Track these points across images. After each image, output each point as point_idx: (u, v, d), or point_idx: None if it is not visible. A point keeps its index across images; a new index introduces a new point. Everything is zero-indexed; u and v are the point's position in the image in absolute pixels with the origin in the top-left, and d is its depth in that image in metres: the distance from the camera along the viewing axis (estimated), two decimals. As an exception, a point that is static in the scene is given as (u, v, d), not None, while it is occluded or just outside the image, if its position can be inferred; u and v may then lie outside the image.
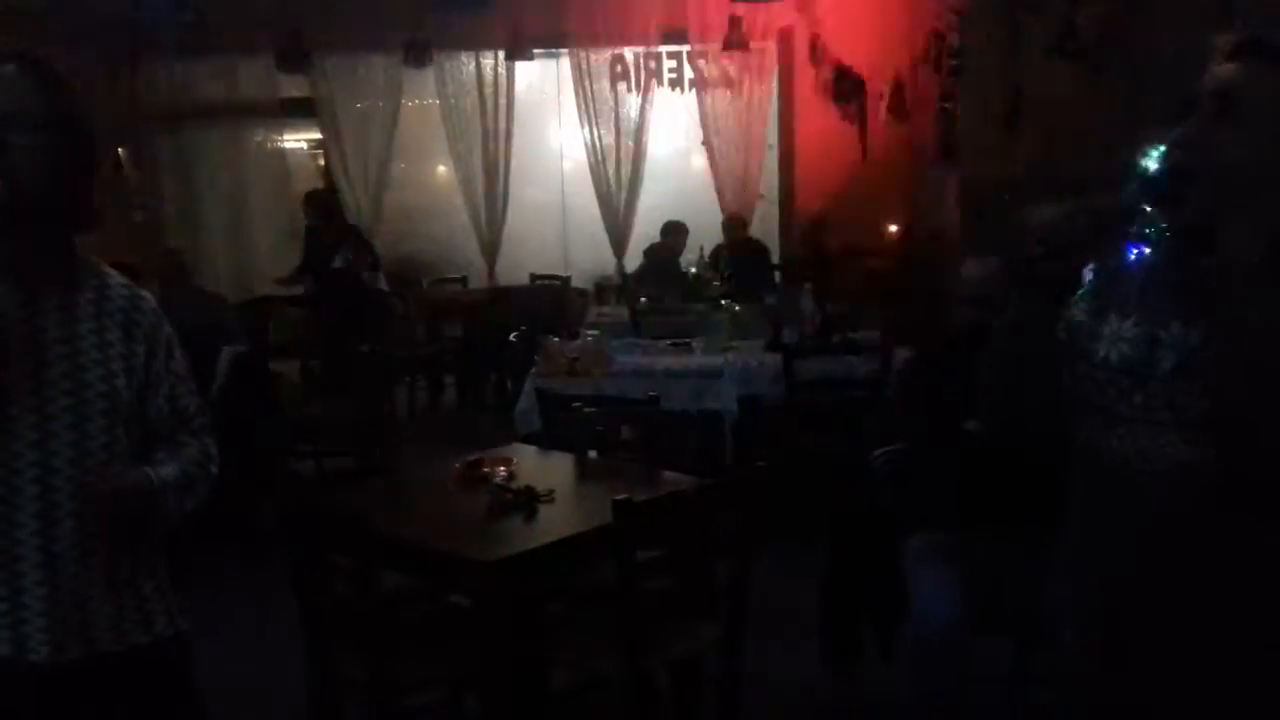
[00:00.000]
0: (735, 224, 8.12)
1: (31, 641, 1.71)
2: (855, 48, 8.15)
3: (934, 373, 3.13)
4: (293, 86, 8.91)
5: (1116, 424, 1.60)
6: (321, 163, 9.51)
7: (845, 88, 8.13)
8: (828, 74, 8.24)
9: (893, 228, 7.98)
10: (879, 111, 8.08)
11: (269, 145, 9.44)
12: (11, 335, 1.68)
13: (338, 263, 7.29)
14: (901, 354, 4.90)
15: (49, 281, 1.75)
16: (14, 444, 1.69)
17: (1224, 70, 1.55)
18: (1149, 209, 1.61)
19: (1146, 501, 1.58)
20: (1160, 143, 1.63)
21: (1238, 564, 1.52)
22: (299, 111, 9.01)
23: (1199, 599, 1.55)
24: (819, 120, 8.49)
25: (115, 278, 1.87)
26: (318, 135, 9.24)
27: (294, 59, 8.57)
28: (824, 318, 5.55)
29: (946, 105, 6.89)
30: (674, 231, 7.85)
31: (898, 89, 7.82)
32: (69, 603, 1.73)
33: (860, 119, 8.22)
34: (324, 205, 8.21)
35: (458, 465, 3.21)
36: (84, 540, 1.74)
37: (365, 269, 7.45)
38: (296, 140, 9.68)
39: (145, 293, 1.91)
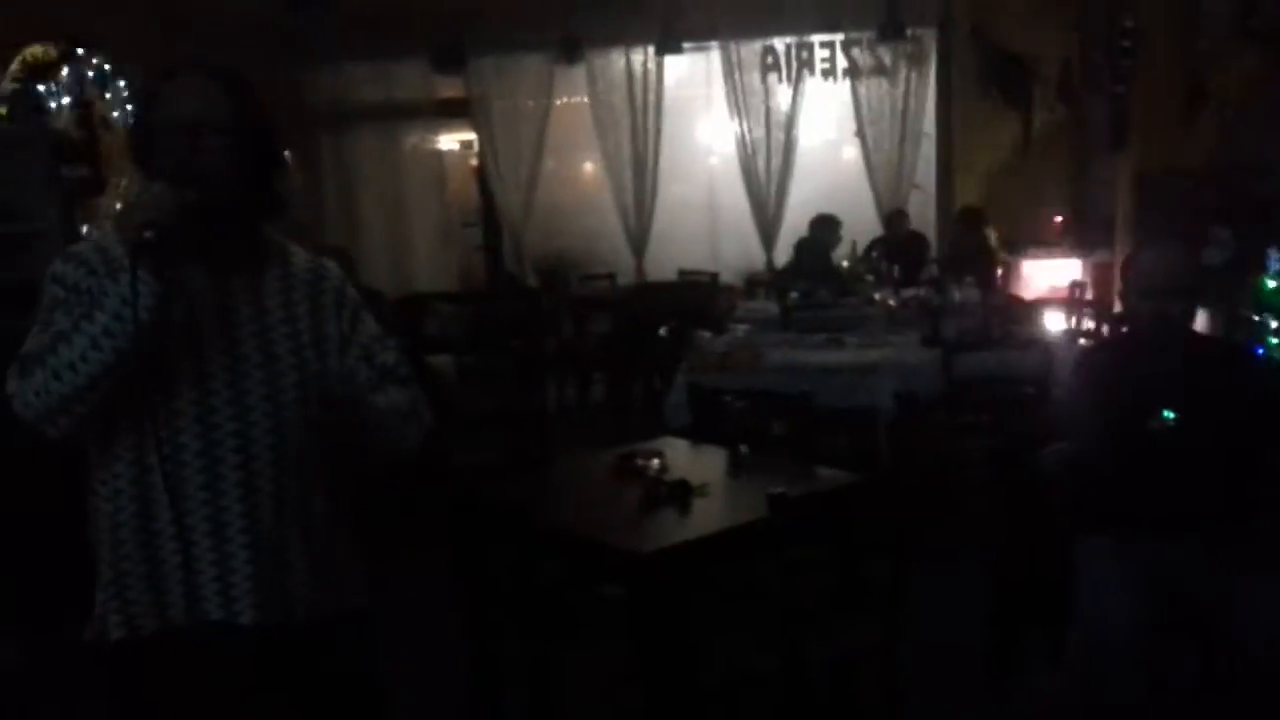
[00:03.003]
0: (897, 219, 7.92)
1: (240, 604, 1.80)
2: (1019, 32, 7.84)
3: (1114, 367, 2.95)
4: (447, 87, 9.12)
5: None
6: (474, 163, 9.72)
7: (1008, 73, 7.83)
8: (989, 59, 7.95)
9: (1058, 218, 7.66)
10: (1044, 97, 7.77)
11: (424, 146, 9.68)
12: (207, 316, 1.79)
13: None
14: (1070, 348, 4.69)
15: (238, 265, 1.85)
16: (214, 417, 1.79)
17: None
18: None
19: None
20: None
21: None
22: (453, 112, 9.22)
23: None
24: (979, 108, 8.21)
25: (300, 253, 1.96)
26: (471, 135, 9.44)
27: (449, 60, 8.77)
28: (986, 311, 5.35)
29: (1118, 90, 6.55)
30: (824, 224, 7.71)
31: (1065, 73, 7.50)
32: (271, 569, 1.82)
33: (1024, 105, 7.92)
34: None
35: (611, 458, 3.20)
36: (283, 507, 1.83)
37: None
38: (450, 140, 9.91)
39: (329, 262, 1.99)
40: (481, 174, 9.49)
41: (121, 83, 5.71)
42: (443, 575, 2.87)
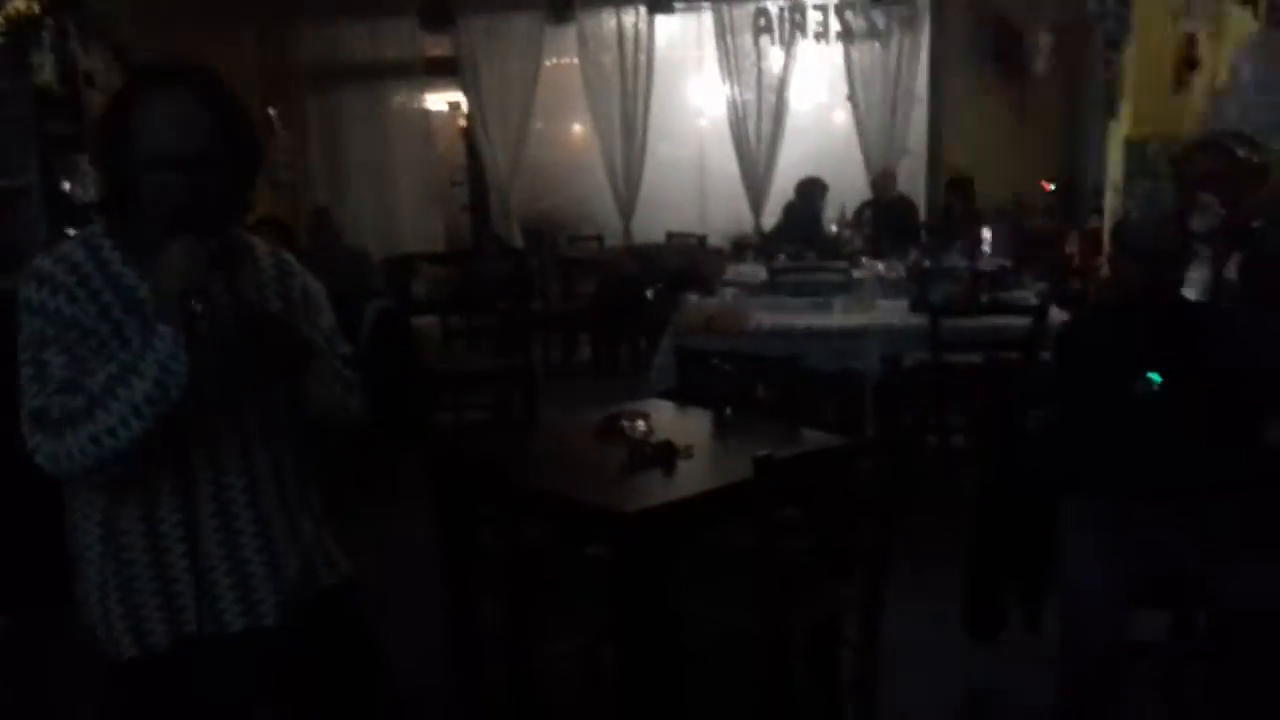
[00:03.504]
0: (884, 180, 7.89)
1: (263, 606, 1.78)
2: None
3: (1102, 332, 2.95)
4: (435, 46, 9.02)
5: None
6: (463, 123, 9.64)
7: (1001, 39, 7.78)
8: (982, 25, 7.90)
9: (1049, 185, 7.64)
10: (1037, 63, 7.72)
11: (411, 105, 9.59)
12: (229, 330, 1.72)
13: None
14: (1057, 314, 4.69)
15: (218, 266, 1.77)
16: (214, 421, 1.75)
17: None
18: None
19: None
20: None
21: None
22: (441, 71, 9.13)
23: None
24: (972, 73, 8.16)
25: (261, 247, 1.91)
26: (459, 95, 9.35)
27: (438, 19, 8.67)
28: (973, 276, 5.34)
29: (1110, 57, 6.51)
30: (810, 187, 7.68)
31: (1058, 39, 7.46)
32: (282, 564, 1.81)
33: (1017, 71, 7.87)
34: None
35: (597, 419, 3.19)
36: (285, 502, 1.82)
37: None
38: (438, 100, 9.82)
39: (288, 255, 1.95)
40: (469, 134, 9.41)
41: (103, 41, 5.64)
42: (427, 537, 2.86)
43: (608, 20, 8.82)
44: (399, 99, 9.49)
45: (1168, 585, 2.66)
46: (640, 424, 3.10)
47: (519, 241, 9.06)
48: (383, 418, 2.27)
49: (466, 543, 2.80)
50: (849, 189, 8.00)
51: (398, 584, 3.86)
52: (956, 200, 7.34)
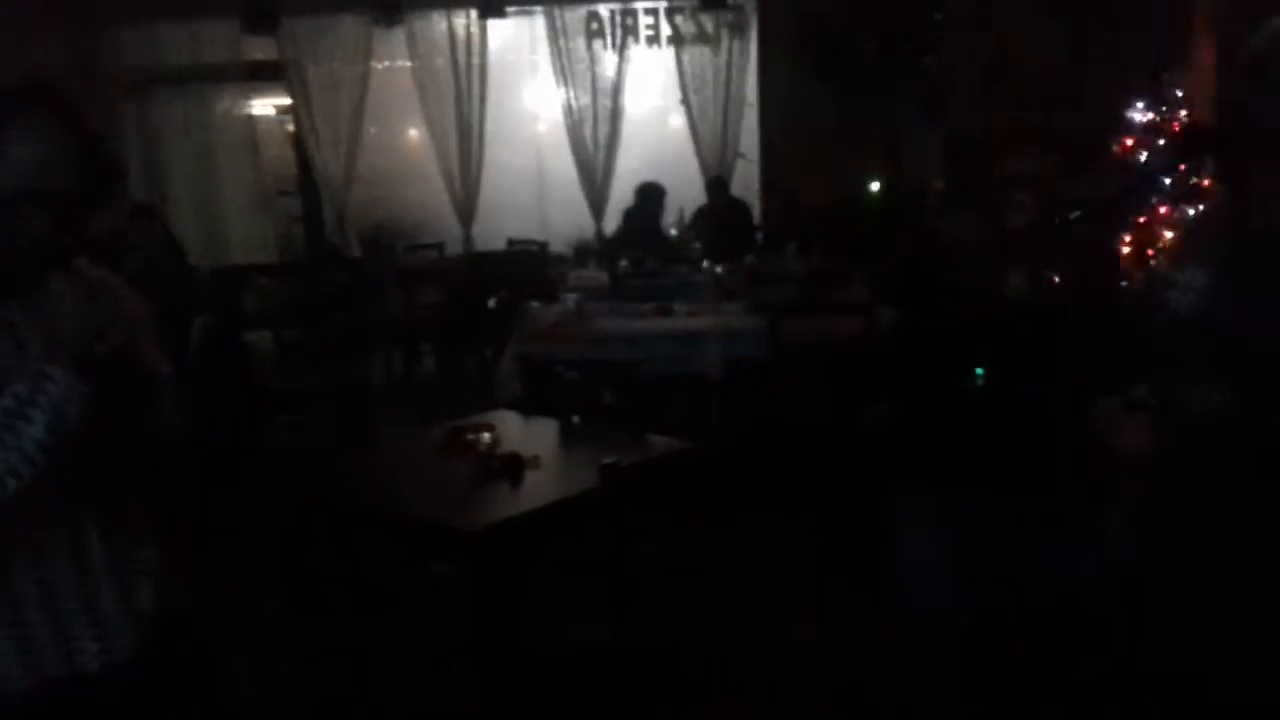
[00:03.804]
0: (716, 184, 8.03)
1: (120, 641, 1.68)
2: (835, 3, 8.02)
3: (927, 329, 3.06)
4: (259, 49, 8.72)
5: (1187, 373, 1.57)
6: (291, 128, 9.33)
7: (826, 42, 8.01)
8: (809, 28, 8.11)
9: (874, 185, 7.90)
10: (861, 65, 7.98)
11: (236, 111, 9.23)
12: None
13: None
14: (889, 312, 4.85)
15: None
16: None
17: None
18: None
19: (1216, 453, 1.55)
20: (1139, 95, 1.62)
21: None
22: (267, 75, 8.82)
23: None
24: (798, 77, 8.37)
25: (77, 265, 1.77)
26: (287, 100, 9.06)
27: (260, 21, 8.38)
28: (808, 277, 5.48)
29: (928, 61, 6.80)
30: (649, 192, 7.74)
31: (880, 43, 7.73)
32: (130, 596, 1.71)
33: (840, 76, 8.11)
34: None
35: (440, 433, 3.14)
36: (108, 528, 1.70)
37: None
38: (265, 105, 9.48)
39: (104, 273, 1.82)
40: (299, 141, 9.13)
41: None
42: (266, 561, 2.76)
43: (438, 24, 8.69)
44: (223, 105, 9.12)
45: (998, 575, 2.77)
46: (486, 436, 3.07)
47: (356, 251, 8.84)
48: (214, 439, 2.17)
49: (307, 565, 2.71)
50: (688, 192, 8.10)
51: (238, 607, 3.72)
52: (775, 203, 7.52)
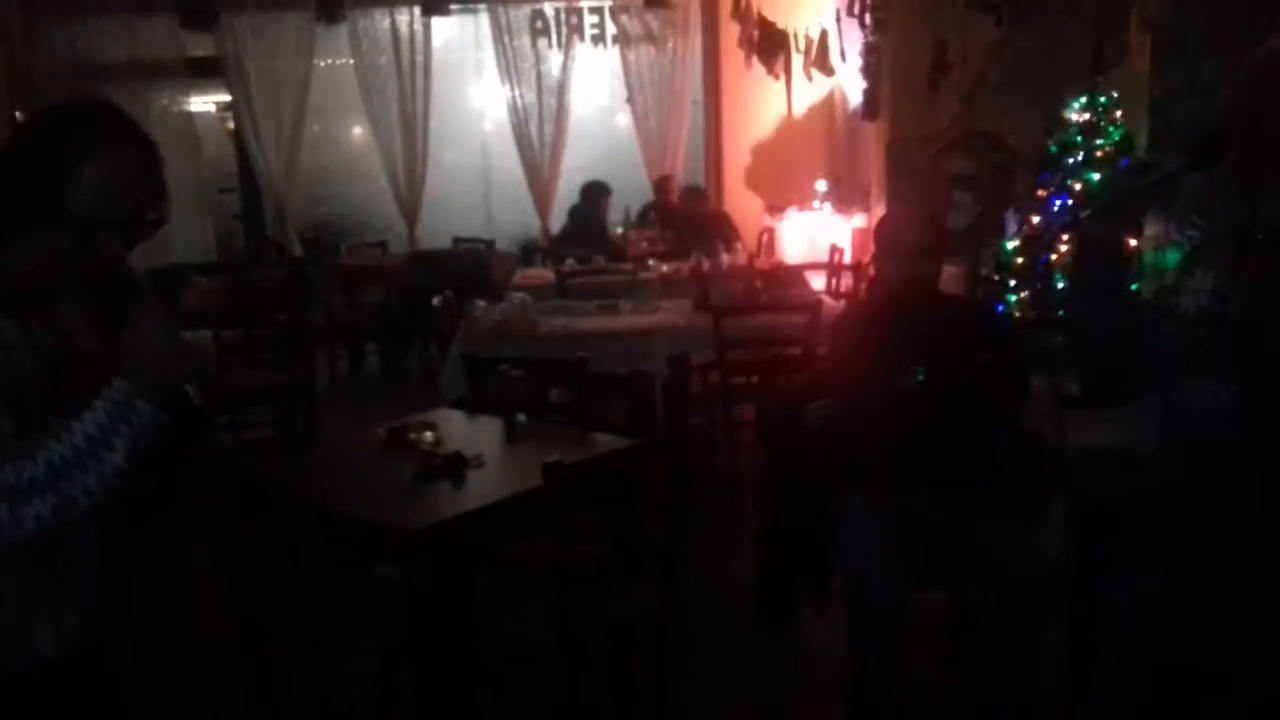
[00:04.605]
0: (664, 183, 8.05)
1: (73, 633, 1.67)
2: (779, 2, 8.09)
3: (865, 326, 3.10)
4: (198, 46, 8.58)
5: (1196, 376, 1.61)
6: (231, 125, 9.20)
7: (769, 42, 8.07)
8: (752, 28, 8.17)
9: (818, 185, 7.97)
10: (803, 66, 8.05)
11: (174, 108, 9.07)
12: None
13: None
14: (833, 309, 4.90)
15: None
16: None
17: None
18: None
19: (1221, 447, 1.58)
20: (1075, 96, 1.65)
21: None
22: (206, 72, 8.69)
23: None
24: (744, 75, 8.43)
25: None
26: (227, 97, 8.93)
27: (199, 17, 8.25)
28: (752, 276, 5.52)
29: (869, 60, 6.87)
30: (594, 190, 7.75)
31: (821, 43, 7.80)
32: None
33: (785, 74, 8.18)
34: None
35: (381, 432, 3.12)
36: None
37: None
38: (204, 102, 9.33)
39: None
40: (239, 138, 9.00)
41: None
42: (209, 563, 2.72)
43: (381, 21, 8.61)
44: (161, 101, 8.95)
45: (941, 566, 2.82)
46: (428, 435, 3.05)
47: (297, 250, 8.73)
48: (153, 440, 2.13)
49: (251, 569, 2.68)
50: (634, 191, 8.11)
51: (181, 611, 3.66)
52: (695, 209, 7.55)
